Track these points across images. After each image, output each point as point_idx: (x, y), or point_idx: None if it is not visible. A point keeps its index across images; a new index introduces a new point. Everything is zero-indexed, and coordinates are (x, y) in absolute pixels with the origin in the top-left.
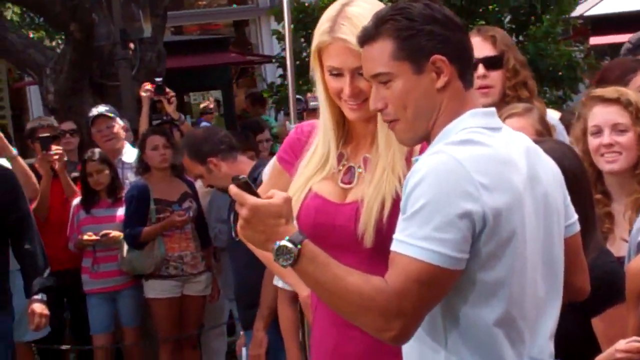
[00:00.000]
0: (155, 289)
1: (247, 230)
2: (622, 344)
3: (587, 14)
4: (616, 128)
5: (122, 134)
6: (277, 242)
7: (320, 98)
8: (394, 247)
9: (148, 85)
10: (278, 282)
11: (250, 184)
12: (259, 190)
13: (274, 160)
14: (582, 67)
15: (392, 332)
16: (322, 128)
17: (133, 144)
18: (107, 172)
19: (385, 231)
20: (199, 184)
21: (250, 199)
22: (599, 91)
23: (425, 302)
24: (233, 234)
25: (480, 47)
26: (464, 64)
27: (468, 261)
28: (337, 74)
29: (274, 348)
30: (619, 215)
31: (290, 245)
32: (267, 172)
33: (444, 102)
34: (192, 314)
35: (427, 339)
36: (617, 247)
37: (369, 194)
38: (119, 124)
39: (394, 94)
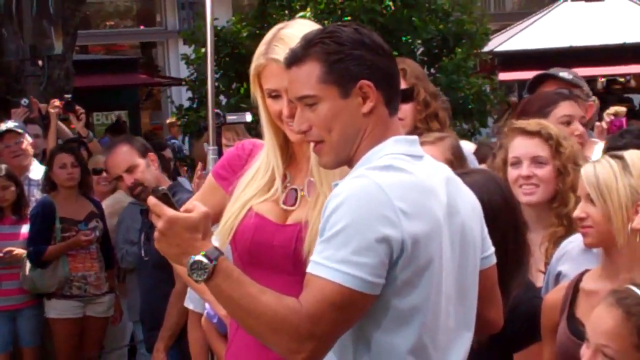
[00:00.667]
0: (56, 309)
1: (162, 243)
2: None
3: (496, 49)
4: (535, 160)
5: (30, 150)
6: (192, 257)
7: (262, 121)
8: (310, 268)
9: (57, 102)
10: (189, 304)
11: (170, 197)
12: (188, 203)
13: (208, 176)
14: (491, 101)
15: (302, 354)
16: (266, 151)
17: (41, 161)
18: (12, 188)
19: None
20: (105, 204)
21: (168, 211)
22: (521, 123)
23: (338, 326)
24: (142, 254)
25: None
26: (391, 91)
27: (383, 287)
28: (276, 95)
29: None
30: (534, 247)
31: (205, 260)
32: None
33: (368, 127)
34: (93, 335)
35: None
36: (534, 278)
37: (313, 216)
38: (28, 140)
39: (319, 117)
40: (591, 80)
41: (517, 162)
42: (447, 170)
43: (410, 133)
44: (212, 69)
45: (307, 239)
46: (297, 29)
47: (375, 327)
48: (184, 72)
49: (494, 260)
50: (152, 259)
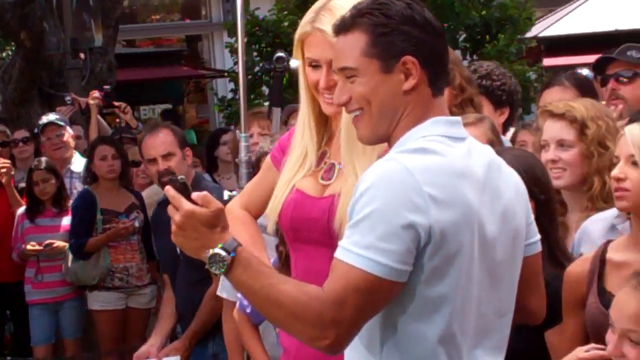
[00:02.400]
0: (99, 301)
1: (179, 237)
2: (581, 351)
3: (541, 35)
4: (561, 144)
5: (72, 142)
6: (210, 250)
7: (301, 92)
8: (337, 254)
9: (96, 93)
10: (222, 293)
11: (188, 186)
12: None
13: (266, 158)
14: (535, 87)
15: (325, 341)
16: (301, 124)
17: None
18: (53, 181)
19: None
20: (145, 194)
21: (186, 204)
22: (550, 106)
23: (362, 313)
24: (178, 250)
25: None
26: (437, 71)
27: (411, 274)
28: (316, 65)
29: None
30: (572, 227)
31: (223, 253)
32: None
33: (409, 106)
34: (135, 326)
35: (363, 350)
36: None
37: (346, 187)
38: (69, 133)
39: (357, 90)
40: None
41: (546, 145)
42: (490, 153)
43: None
44: (243, 59)
45: (338, 210)
46: (347, 1)
47: (402, 314)
48: (229, 64)
49: (539, 247)
50: (186, 255)
